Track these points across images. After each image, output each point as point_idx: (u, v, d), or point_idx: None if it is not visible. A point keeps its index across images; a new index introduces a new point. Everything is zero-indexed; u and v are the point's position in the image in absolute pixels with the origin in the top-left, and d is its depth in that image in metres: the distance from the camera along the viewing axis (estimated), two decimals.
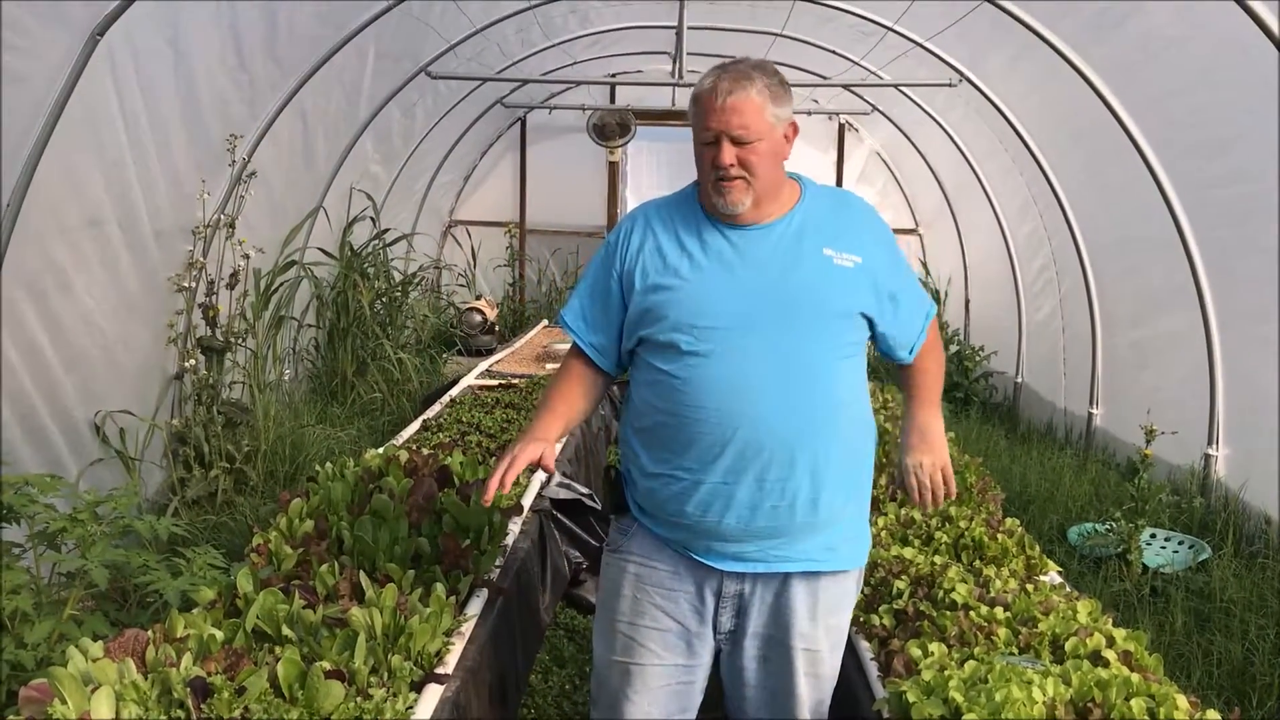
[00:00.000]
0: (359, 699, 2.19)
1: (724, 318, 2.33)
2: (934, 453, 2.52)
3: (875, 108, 10.36)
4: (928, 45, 7.55)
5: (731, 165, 2.33)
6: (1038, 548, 3.40)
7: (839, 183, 11.77)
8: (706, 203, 2.44)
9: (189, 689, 2.11)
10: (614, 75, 11.10)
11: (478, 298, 10.86)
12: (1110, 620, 2.79)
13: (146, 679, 2.18)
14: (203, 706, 2.09)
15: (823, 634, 2.47)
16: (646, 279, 2.42)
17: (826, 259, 2.38)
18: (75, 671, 2.13)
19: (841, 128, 11.68)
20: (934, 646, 2.57)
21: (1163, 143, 5.74)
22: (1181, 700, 2.22)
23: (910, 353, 2.55)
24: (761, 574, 2.42)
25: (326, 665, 2.26)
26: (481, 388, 6.51)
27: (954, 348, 9.31)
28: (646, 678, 2.50)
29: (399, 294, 8.67)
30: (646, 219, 2.51)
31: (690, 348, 2.34)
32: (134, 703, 2.08)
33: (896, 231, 11.55)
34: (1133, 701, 2.18)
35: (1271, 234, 4.77)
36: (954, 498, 2.58)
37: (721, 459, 2.33)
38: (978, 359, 9.06)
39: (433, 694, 2.39)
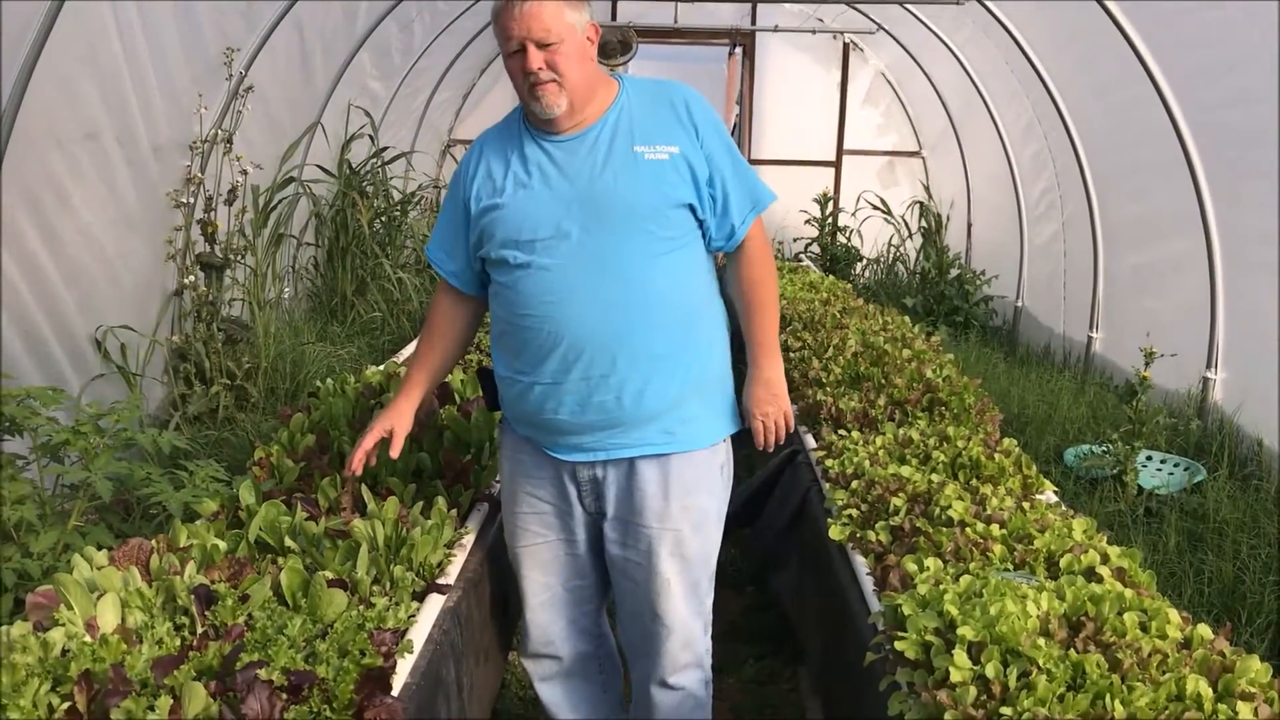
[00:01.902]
0: (361, 607, 2.22)
1: (542, 229, 2.46)
2: (778, 401, 2.67)
3: (881, 26, 10.21)
4: None
5: (540, 69, 2.41)
6: (1034, 467, 3.41)
7: (843, 105, 11.65)
8: (530, 119, 2.54)
9: (193, 596, 2.13)
10: None
11: None
12: (1105, 538, 2.81)
13: (151, 587, 2.21)
14: (207, 614, 2.11)
15: (679, 512, 2.58)
16: (480, 203, 2.55)
17: (637, 156, 2.46)
18: (81, 579, 2.15)
19: (846, 47, 11.52)
20: (930, 561, 2.60)
21: (1171, 63, 5.66)
22: (1174, 615, 2.25)
23: (731, 240, 2.59)
24: (610, 460, 2.57)
25: (329, 574, 2.29)
26: None
27: (955, 271, 9.30)
28: (537, 555, 2.73)
29: (398, 213, 8.61)
30: (482, 145, 2.64)
31: (517, 261, 2.49)
32: (139, 609, 2.11)
33: (900, 154, 11.59)
34: (1125, 616, 2.20)
35: (1276, 156, 4.73)
36: (792, 430, 2.72)
37: (549, 361, 2.49)
38: (978, 283, 9.05)
39: (434, 603, 2.42)
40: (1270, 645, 3.48)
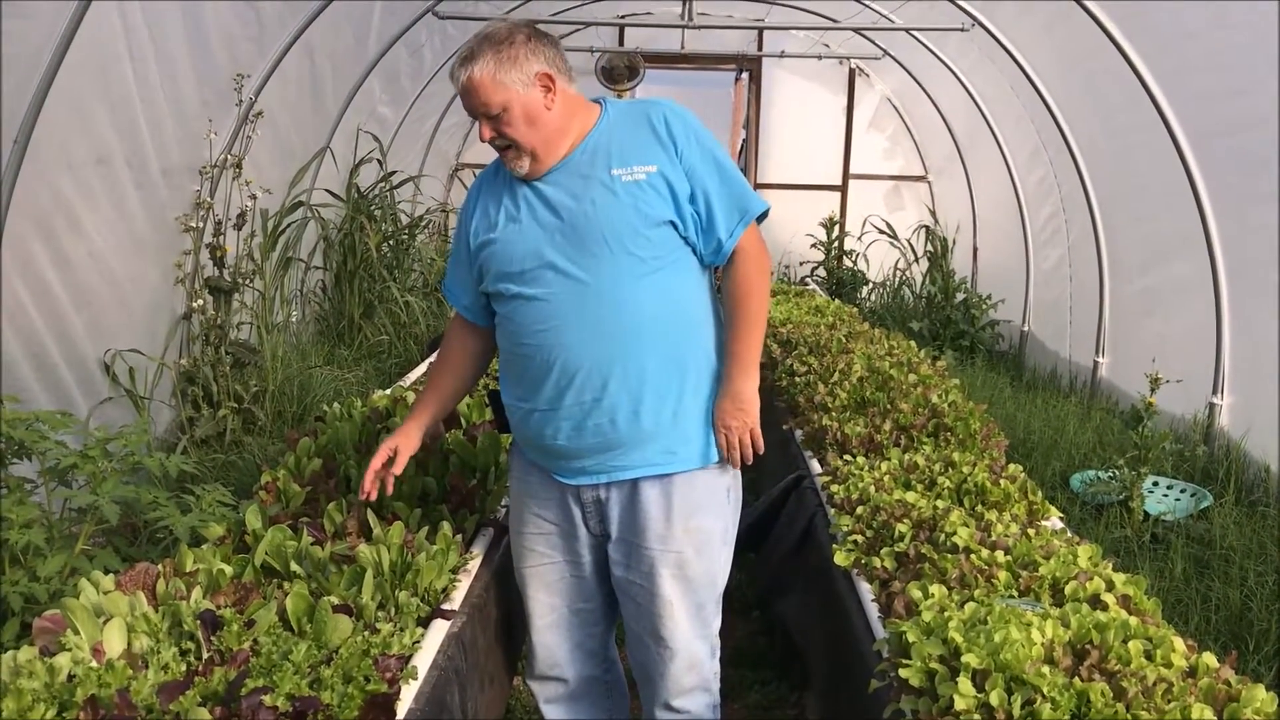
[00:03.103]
0: (366, 633, 2.22)
1: (529, 260, 2.50)
2: (744, 416, 2.58)
3: (887, 52, 10.26)
4: None
5: (492, 139, 2.49)
6: (1040, 493, 3.41)
7: (849, 129, 11.69)
8: None
9: (199, 621, 2.14)
10: (623, 17, 10.98)
11: None
12: (1110, 565, 2.80)
13: (157, 611, 2.22)
14: (212, 639, 2.12)
15: (681, 535, 2.58)
16: (477, 239, 2.62)
17: (614, 179, 2.48)
18: (87, 603, 2.16)
19: (852, 73, 11.57)
20: (934, 588, 2.59)
21: (1175, 88, 5.69)
22: (1179, 643, 2.24)
23: (719, 254, 2.57)
24: (613, 481, 2.58)
25: (334, 600, 2.29)
26: None
27: (961, 296, 9.31)
28: (542, 576, 2.74)
29: (406, 237, 8.66)
30: (480, 183, 2.71)
31: (510, 293, 2.54)
32: (145, 634, 2.12)
33: (905, 179, 11.61)
34: (1130, 644, 2.19)
35: None
36: (760, 452, 2.64)
37: (544, 388, 2.53)
38: (984, 307, 9.05)
39: (439, 629, 2.42)
40: (1278, 674, 3.46)
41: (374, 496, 2.76)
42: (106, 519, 2.89)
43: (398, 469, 2.76)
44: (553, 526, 2.70)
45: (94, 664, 1.98)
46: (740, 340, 2.59)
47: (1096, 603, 2.54)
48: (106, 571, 2.52)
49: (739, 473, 2.72)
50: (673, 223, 2.50)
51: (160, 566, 2.42)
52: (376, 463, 2.74)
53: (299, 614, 2.25)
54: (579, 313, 2.47)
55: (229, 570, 2.47)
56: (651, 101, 2.60)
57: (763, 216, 2.61)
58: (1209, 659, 2.22)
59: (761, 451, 2.63)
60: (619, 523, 2.62)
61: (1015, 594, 2.63)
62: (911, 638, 2.30)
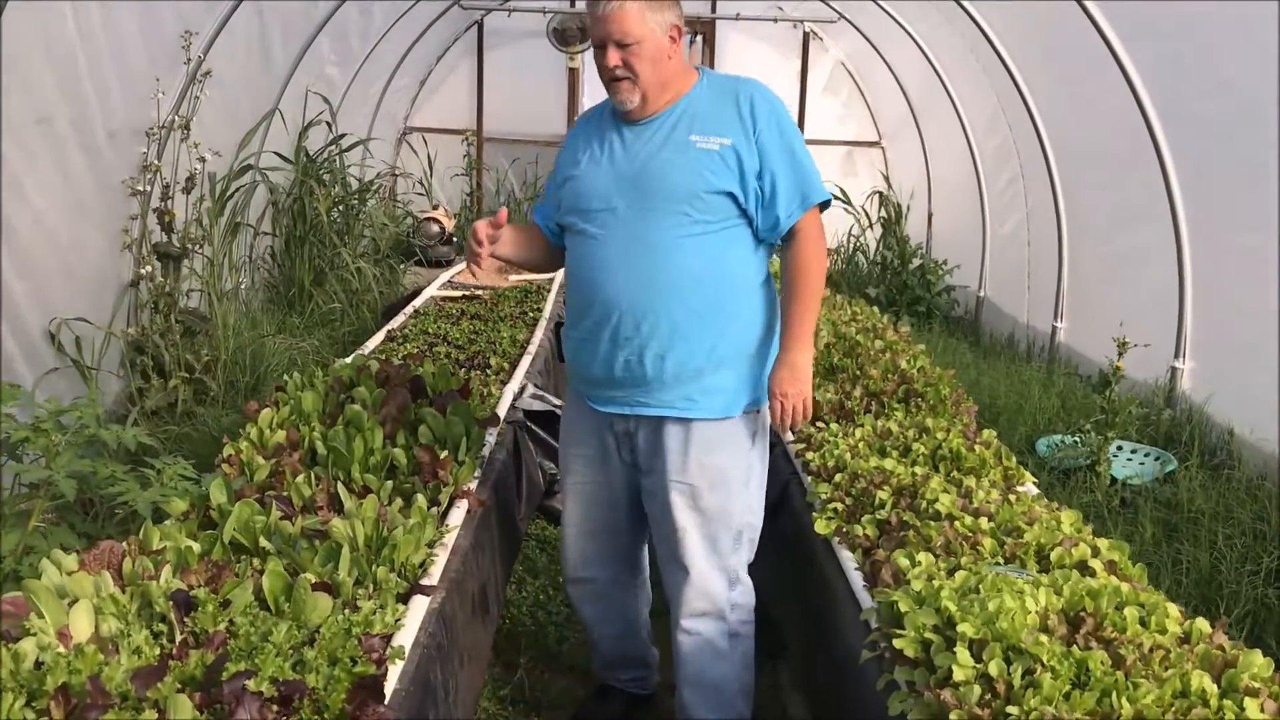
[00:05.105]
0: (347, 611, 2.13)
1: (597, 201, 2.72)
2: (800, 384, 2.73)
3: (842, 15, 10.19)
4: None
5: (616, 67, 2.66)
6: (1014, 459, 3.40)
7: (803, 94, 11.62)
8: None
9: (171, 602, 2.04)
10: None
11: (435, 206, 10.65)
12: (1090, 530, 2.80)
13: (125, 592, 2.12)
14: (186, 620, 2.03)
15: (695, 470, 2.77)
16: (562, 172, 2.86)
17: (691, 143, 2.67)
18: (50, 584, 2.06)
19: (806, 36, 11.49)
20: (921, 556, 2.56)
21: (1141, 52, 5.67)
22: (1173, 609, 2.23)
23: (775, 231, 2.75)
24: (637, 415, 2.79)
25: (312, 578, 2.20)
26: (445, 299, 6.41)
27: (916, 261, 9.31)
28: (579, 494, 3.02)
29: (356, 202, 8.46)
30: (580, 122, 2.93)
31: (578, 227, 2.78)
32: (114, 616, 2.01)
33: (859, 144, 11.57)
34: (1125, 610, 2.18)
35: (1247, 146, 4.75)
36: (809, 419, 2.83)
37: (587, 318, 2.77)
38: (940, 273, 9.06)
39: (419, 605, 2.33)
40: (1248, 635, 3.48)
41: (486, 252, 2.79)
42: (62, 494, 2.76)
43: (501, 219, 2.79)
44: (589, 449, 2.93)
45: (61, 649, 1.88)
46: (796, 314, 2.75)
47: (1084, 569, 2.52)
48: (65, 550, 2.40)
49: (766, 420, 2.88)
50: (732, 194, 2.67)
51: (125, 544, 2.31)
52: (482, 223, 2.80)
53: (276, 593, 2.15)
54: (627, 258, 2.67)
55: (198, 548, 2.36)
56: (743, 81, 2.80)
57: (825, 205, 2.80)
58: (1202, 624, 2.21)
59: (809, 418, 2.81)
60: (644, 454, 2.83)
61: (1002, 561, 2.60)
62: (904, 607, 2.26)
